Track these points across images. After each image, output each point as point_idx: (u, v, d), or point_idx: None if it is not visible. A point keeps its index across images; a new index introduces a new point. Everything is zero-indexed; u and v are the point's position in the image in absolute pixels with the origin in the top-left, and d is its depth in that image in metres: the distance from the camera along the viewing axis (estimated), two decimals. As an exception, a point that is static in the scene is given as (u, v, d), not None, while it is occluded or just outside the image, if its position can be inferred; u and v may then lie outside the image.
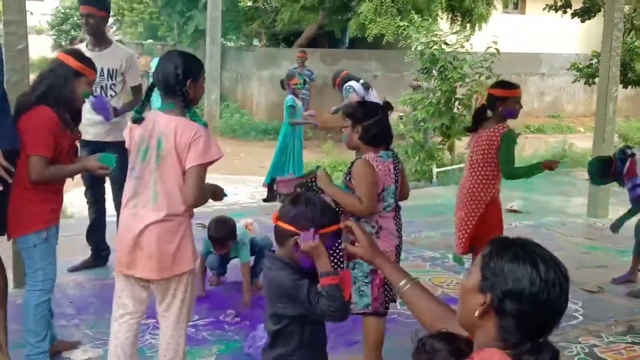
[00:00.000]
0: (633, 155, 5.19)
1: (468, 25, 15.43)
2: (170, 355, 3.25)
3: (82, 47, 4.99)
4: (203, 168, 3.07)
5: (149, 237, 3.08)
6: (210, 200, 3.39)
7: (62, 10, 30.81)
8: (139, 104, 3.27)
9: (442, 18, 14.97)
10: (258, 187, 9.42)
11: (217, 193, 3.43)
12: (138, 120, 3.10)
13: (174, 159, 3.03)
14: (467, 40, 10.41)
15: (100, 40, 5.11)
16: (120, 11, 24.44)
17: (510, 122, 4.72)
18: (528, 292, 1.53)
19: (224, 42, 16.95)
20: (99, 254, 5.40)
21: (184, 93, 3.08)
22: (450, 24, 15.65)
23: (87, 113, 4.54)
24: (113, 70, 5.07)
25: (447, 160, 10.48)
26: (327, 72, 14.80)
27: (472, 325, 1.64)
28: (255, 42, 18.69)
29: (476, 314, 1.60)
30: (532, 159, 11.59)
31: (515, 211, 7.77)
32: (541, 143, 13.43)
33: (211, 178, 8.00)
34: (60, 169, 3.52)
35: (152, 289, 3.26)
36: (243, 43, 17.95)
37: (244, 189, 9.38)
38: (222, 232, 4.67)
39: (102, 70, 4.86)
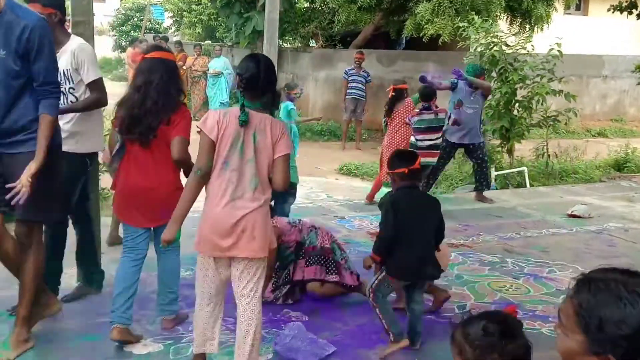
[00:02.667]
0: None
1: (527, 26, 15.15)
2: (253, 329, 3.45)
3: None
4: (287, 158, 3.41)
5: (252, 220, 3.35)
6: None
7: (123, 12, 31.47)
8: (240, 109, 3.35)
9: (500, 19, 14.74)
10: (314, 188, 9.45)
11: None
12: (245, 122, 3.32)
13: (269, 150, 3.38)
14: (529, 42, 10.23)
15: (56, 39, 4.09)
16: (179, 12, 24.84)
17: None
18: None
19: (281, 43, 17.04)
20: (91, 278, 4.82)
21: (273, 95, 3.47)
22: (509, 25, 15.40)
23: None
24: (67, 70, 4.25)
25: (505, 164, 10.31)
26: (383, 73, 14.75)
27: None
28: (312, 43, 18.73)
29: None
30: (594, 163, 11.33)
31: (576, 216, 7.60)
32: (603, 147, 13.11)
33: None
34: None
35: (234, 271, 3.45)
36: (299, 44, 18.02)
37: (299, 189, 9.38)
38: None
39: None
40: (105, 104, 4.51)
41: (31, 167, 3.52)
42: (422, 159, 4.53)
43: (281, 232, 4.76)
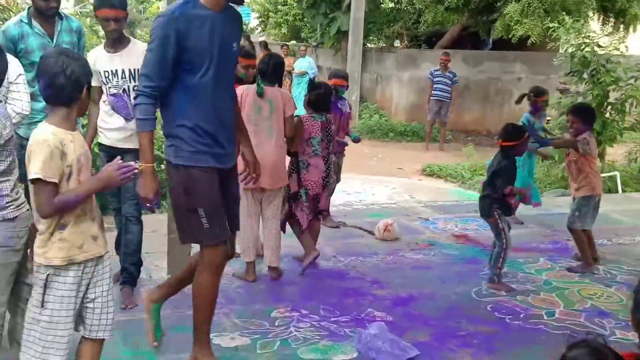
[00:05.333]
0: None
1: (621, 26, 14.64)
2: (275, 242, 5.10)
3: (100, 49, 4.57)
4: (292, 115, 5.06)
5: (278, 159, 4.98)
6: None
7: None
8: (255, 86, 4.90)
9: (592, 19, 14.29)
10: (397, 188, 9.42)
11: None
12: (261, 94, 4.90)
13: (281, 110, 4.97)
14: (622, 42, 9.87)
15: (120, 40, 4.53)
16: (265, 13, 25.22)
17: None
18: None
19: (366, 44, 17.05)
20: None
21: (280, 78, 5.26)
22: (602, 25, 14.91)
23: (106, 116, 4.55)
24: (135, 70, 4.42)
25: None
26: (469, 73, 14.57)
27: None
28: (396, 43, 18.66)
29: None
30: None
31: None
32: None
33: (349, 178, 7.99)
34: None
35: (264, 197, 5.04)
36: (384, 44, 17.98)
37: (382, 190, 9.39)
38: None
39: (122, 71, 4.47)
40: None
41: None
42: None
43: None
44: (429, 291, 5.03)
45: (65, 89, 2.81)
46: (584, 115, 5.61)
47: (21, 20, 4.61)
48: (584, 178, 5.52)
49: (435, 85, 12.93)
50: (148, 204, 3.51)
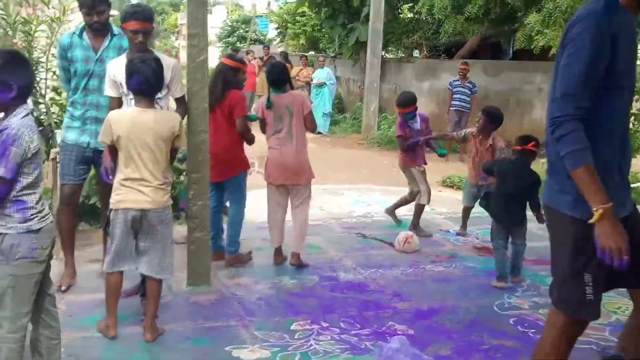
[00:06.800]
0: None
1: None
2: (301, 230, 5.65)
3: (121, 60, 4.56)
4: (311, 112, 5.57)
5: (299, 159, 5.50)
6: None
7: (230, 24, 32.44)
8: (267, 99, 5.53)
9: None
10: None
11: None
12: (270, 107, 5.48)
13: (299, 112, 5.45)
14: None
15: (144, 52, 4.57)
16: (283, 24, 25.33)
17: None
18: None
19: (384, 54, 17.03)
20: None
21: (288, 80, 5.65)
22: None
23: None
24: None
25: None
26: (489, 84, 14.47)
27: None
28: (415, 53, 18.62)
29: None
30: None
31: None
32: None
33: (369, 189, 7.99)
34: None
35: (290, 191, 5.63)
36: (403, 55, 17.95)
37: (402, 201, 9.33)
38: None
39: None
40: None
41: None
42: None
43: None
44: (451, 304, 4.97)
45: (154, 86, 4.02)
46: (492, 116, 6.50)
47: (74, 32, 4.91)
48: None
49: (454, 96, 12.85)
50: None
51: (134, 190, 4.01)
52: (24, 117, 3.09)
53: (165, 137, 4.04)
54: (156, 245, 4.11)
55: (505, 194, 5.36)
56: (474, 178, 6.72)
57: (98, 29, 4.81)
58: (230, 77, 5.48)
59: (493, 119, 6.52)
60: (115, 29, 4.94)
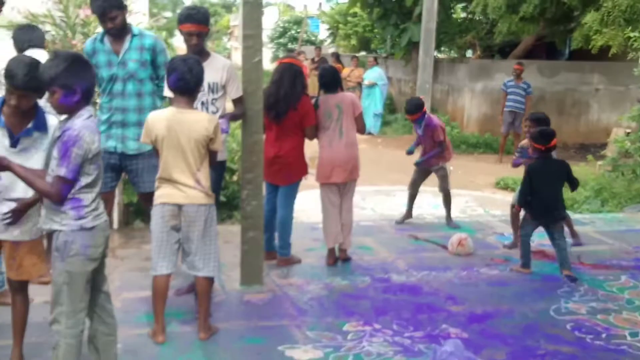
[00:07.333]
0: None
1: None
2: (350, 227, 5.77)
3: None
4: (361, 114, 5.67)
5: (349, 155, 5.59)
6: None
7: (281, 25, 32.60)
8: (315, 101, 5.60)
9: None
10: (469, 202, 9.24)
11: None
12: (316, 108, 5.53)
13: (349, 112, 5.55)
14: None
15: (201, 53, 4.65)
16: (334, 24, 25.35)
17: None
18: None
19: (437, 54, 16.88)
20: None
21: (339, 84, 5.72)
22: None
23: None
24: (214, 83, 4.71)
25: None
26: (544, 84, 14.22)
27: None
28: (468, 53, 18.42)
29: None
30: None
31: None
32: None
33: (420, 190, 7.94)
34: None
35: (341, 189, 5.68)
36: (456, 55, 17.77)
37: (455, 203, 9.23)
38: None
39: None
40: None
41: None
42: None
43: None
44: (506, 308, 4.89)
45: (190, 83, 3.96)
46: (541, 121, 6.10)
47: (96, 38, 4.89)
48: None
49: (508, 96, 12.65)
50: None
51: (169, 187, 4.02)
52: (86, 119, 3.14)
53: (198, 139, 3.96)
54: (199, 244, 4.08)
55: (546, 194, 5.52)
56: None
57: (115, 34, 4.77)
58: (303, 81, 5.47)
59: (541, 124, 6.13)
60: (135, 29, 4.89)
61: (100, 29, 4.98)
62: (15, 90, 3.33)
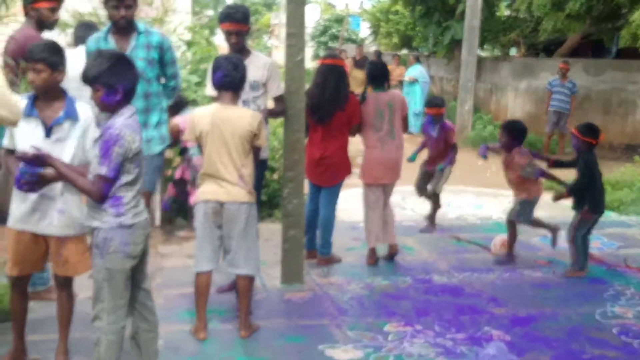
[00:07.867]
0: None
1: None
2: (393, 225, 5.79)
3: None
4: (407, 115, 5.74)
5: (399, 157, 5.65)
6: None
7: (322, 23, 32.60)
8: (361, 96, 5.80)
9: None
10: (511, 202, 9.09)
11: None
12: (363, 101, 5.57)
13: (399, 112, 5.57)
14: None
15: (242, 52, 4.66)
16: (376, 22, 25.23)
17: None
18: None
19: (480, 52, 16.69)
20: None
21: (388, 81, 5.72)
22: None
23: None
24: (255, 81, 4.68)
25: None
26: (590, 83, 13.94)
27: None
28: (512, 52, 18.17)
29: None
30: None
31: None
32: None
33: (461, 190, 7.87)
34: None
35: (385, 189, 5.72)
36: (499, 53, 17.54)
37: (496, 203, 9.10)
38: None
39: None
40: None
41: None
42: None
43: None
44: (550, 311, 4.80)
45: (235, 80, 4.04)
46: (512, 131, 5.99)
47: (99, 36, 4.66)
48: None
49: (553, 96, 12.43)
50: None
51: (212, 183, 4.07)
52: (127, 117, 3.18)
53: (242, 135, 4.01)
54: (239, 242, 4.10)
55: (600, 185, 5.61)
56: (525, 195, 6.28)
57: (124, 26, 4.50)
58: (347, 81, 5.47)
59: (515, 134, 6.04)
60: (141, 26, 4.64)
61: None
62: (28, 63, 3.47)
